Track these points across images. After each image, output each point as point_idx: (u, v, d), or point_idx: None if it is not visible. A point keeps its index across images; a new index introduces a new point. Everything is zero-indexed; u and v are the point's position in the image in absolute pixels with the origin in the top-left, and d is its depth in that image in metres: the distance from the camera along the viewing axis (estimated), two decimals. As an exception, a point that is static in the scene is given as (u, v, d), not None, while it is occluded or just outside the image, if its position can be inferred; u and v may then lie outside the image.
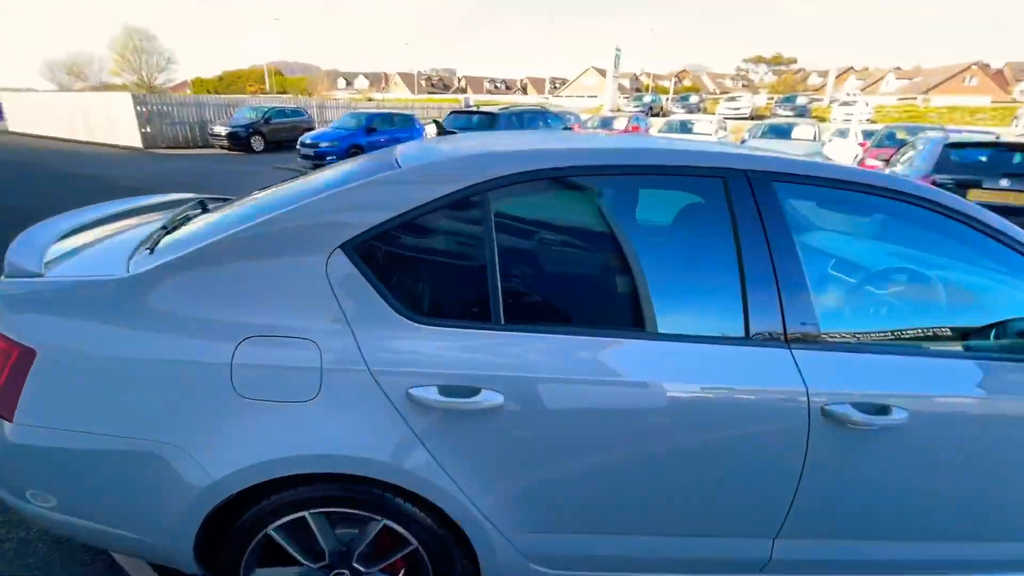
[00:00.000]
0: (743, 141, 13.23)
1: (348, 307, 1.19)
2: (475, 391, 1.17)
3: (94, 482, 1.25)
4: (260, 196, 1.59)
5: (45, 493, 1.28)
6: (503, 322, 1.23)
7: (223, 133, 15.65)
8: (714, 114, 30.64)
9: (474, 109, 10.26)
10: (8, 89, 28.52)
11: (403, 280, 1.26)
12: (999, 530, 1.40)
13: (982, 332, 1.37)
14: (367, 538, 1.30)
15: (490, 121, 9.48)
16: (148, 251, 1.34)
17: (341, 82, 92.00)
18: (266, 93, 51.13)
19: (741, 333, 1.25)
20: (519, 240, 1.33)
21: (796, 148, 11.30)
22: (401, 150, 1.49)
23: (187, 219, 1.62)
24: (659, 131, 14.34)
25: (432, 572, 1.34)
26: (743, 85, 74.69)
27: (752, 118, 26.10)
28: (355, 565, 1.32)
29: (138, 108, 15.83)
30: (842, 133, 14.50)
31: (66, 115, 18.26)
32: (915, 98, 37.87)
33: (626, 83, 73.64)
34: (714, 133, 13.24)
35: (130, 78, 55.81)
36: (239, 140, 15.56)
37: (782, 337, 1.25)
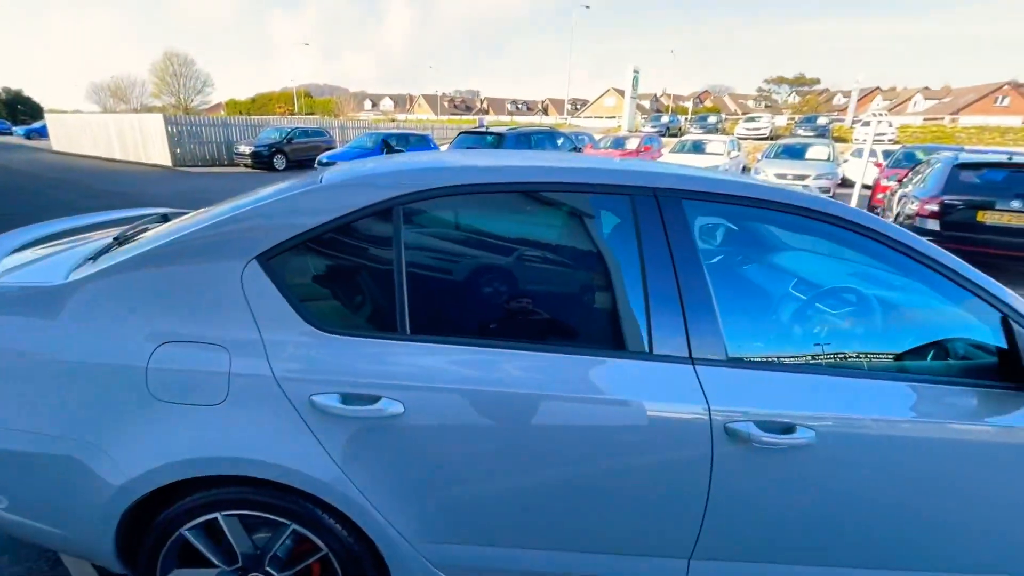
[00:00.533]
0: (757, 161, 13.15)
1: (259, 315, 1.25)
2: (375, 399, 1.21)
3: (23, 479, 1.32)
4: (207, 210, 1.67)
5: None
6: (408, 332, 1.26)
7: (247, 152, 16.28)
8: (732, 135, 30.56)
9: (483, 130, 10.46)
10: (54, 111, 30.24)
11: (312, 291, 1.31)
12: (919, 558, 1.35)
13: (895, 353, 1.35)
14: (278, 543, 1.33)
15: (497, 141, 9.66)
16: (91, 261, 1.42)
17: (368, 104, 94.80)
18: (294, 114, 52.90)
19: (644, 349, 1.26)
20: (423, 254, 1.37)
21: (809, 168, 11.17)
22: (331, 169, 1.56)
23: (143, 231, 1.71)
24: (670, 151, 14.35)
25: (342, 572, 1.36)
26: (765, 106, 74.24)
27: (772, 138, 25.85)
28: (268, 569, 1.35)
29: (169, 128, 16.60)
30: (860, 153, 14.28)
31: (103, 135, 19.25)
32: (942, 118, 37.07)
33: (647, 104, 74.04)
34: (726, 154, 13.18)
35: (169, 100, 58.55)
36: (262, 159, 16.14)
37: (686, 354, 1.25)
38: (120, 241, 1.60)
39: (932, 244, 1.36)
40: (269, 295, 1.26)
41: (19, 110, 43.38)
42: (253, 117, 23.51)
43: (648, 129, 32.23)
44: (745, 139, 27.68)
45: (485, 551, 1.36)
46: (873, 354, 1.41)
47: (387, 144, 13.78)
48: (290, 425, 1.22)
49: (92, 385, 1.25)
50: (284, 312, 1.25)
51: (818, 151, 12.75)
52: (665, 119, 34.83)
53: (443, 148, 13.49)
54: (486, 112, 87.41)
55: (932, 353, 1.44)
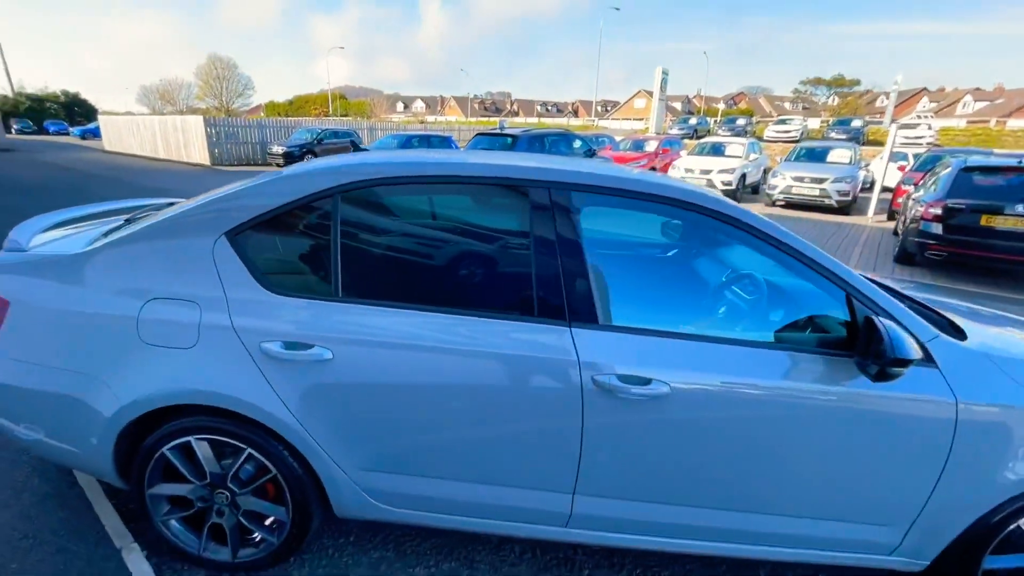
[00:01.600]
0: (778, 164, 13.03)
1: (225, 279, 1.57)
2: (310, 347, 1.52)
3: (45, 405, 1.68)
4: (196, 198, 2.02)
5: (7, 408, 1.72)
6: (339, 296, 1.57)
7: (279, 152, 17.08)
8: (761, 137, 29.94)
9: (498, 132, 10.76)
10: (106, 113, 32.18)
11: (267, 260, 1.63)
12: (769, 503, 1.57)
13: (750, 323, 1.57)
14: (238, 464, 1.65)
15: (512, 143, 9.96)
16: (104, 237, 1.78)
17: (400, 106, 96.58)
18: (328, 116, 54.40)
19: (533, 312, 1.53)
20: (354, 233, 1.66)
21: (827, 172, 11.03)
22: (296, 164, 1.87)
23: (148, 215, 2.07)
24: (689, 153, 14.35)
25: (290, 498, 1.67)
26: (803, 108, 72.17)
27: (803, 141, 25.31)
28: (230, 485, 1.67)
29: (208, 130, 17.56)
30: (894, 156, 13.94)
31: (149, 135, 20.47)
32: (987, 121, 35.39)
33: (679, 106, 73.03)
34: (744, 156, 13.13)
35: (212, 103, 61.09)
36: (293, 159, 16.90)
37: (564, 318, 1.51)
38: (129, 222, 1.96)
39: (788, 232, 1.58)
40: (233, 263, 1.58)
41: (76, 112, 46.22)
42: (287, 119, 24.50)
43: (675, 131, 31.96)
44: (775, 142, 27.19)
45: (403, 479, 1.64)
46: (726, 319, 1.63)
47: (354, 145, 14.24)
48: (244, 366, 1.53)
49: (98, 331, 1.59)
50: (244, 277, 1.58)
51: (840, 154, 12.54)
52: (693, 121, 34.42)
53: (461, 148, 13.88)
54: (516, 114, 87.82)
55: (809, 328, 1.65)
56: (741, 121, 33.45)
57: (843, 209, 10.98)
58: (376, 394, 1.55)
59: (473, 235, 1.76)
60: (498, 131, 10.70)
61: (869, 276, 2.02)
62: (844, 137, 25.66)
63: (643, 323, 1.56)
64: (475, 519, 1.68)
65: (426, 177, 1.67)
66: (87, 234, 1.93)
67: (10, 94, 42.81)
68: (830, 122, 32.82)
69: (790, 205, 11.53)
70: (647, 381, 1.46)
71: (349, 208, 1.63)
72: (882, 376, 1.36)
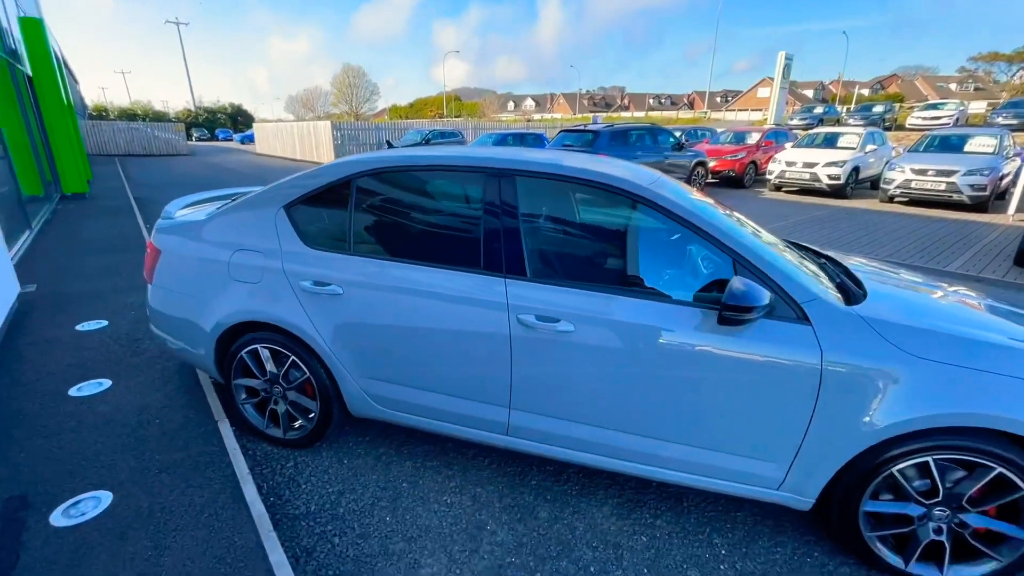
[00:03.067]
0: (901, 155, 11.71)
1: (281, 238, 2.29)
2: (328, 284, 2.18)
3: (179, 319, 2.54)
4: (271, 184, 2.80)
5: (159, 327, 2.62)
6: (351, 250, 2.21)
7: (391, 152, 18.95)
8: (903, 126, 26.37)
9: (580, 128, 11.08)
10: (260, 121, 37.73)
11: (307, 224, 2.31)
12: (662, 430, 1.91)
13: (642, 278, 1.92)
14: (285, 367, 2.37)
15: (593, 138, 10.25)
16: (217, 210, 2.62)
17: (511, 105, 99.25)
18: (442, 117, 57.80)
19: (480, 267, 2.03)
20: (372, 202, 2.27)
21: (958, 164, 9.74)
22: (335, 160, 2.55)
23: (245, 196, 2.90)
24: (793, 145, 13.35)
25: (319, 395, 2.35)
26: (976, 88, 61.29)
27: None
28: (282, 382, 2.41)
29: (334, 133, 20.02)
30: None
31: (289, 139, 23.79)
32: None
33: (810, 93, 66.14)
34: (858, 147, 11.96)
35: (344, 108, 67.98)
36: (402, 157, 18.64)
37: (501, 272, 2.00)
38: (232, 200, 2.80)
39: (695, 207, 1.89)
40: (286, 227, 2.30)
41: (238, 120, 54.67)
42: (405, 121, 26.81)
43: (796, 122, 29.35)
44: (918, 130, 23.81)
45: (392, 387, 2.25)
46: (626, 276, 2.00)
47: (389, 144, 15.04)
48: (289, 297, 2.24)
49: (207, 270, 2.41)
50: (292, 236, 2.28)
51: (981, 142, 10.92)
52: (819, 110, 31.21)
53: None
54: (626, 108, 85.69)
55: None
56: (879, 108, 29.61)
57: (980, 206, 9.61)
58: (371, 321, 2.17)
59: (446, 208, 2.31)
60: (580, 127, 11.01)
61: (826, 251, 2.23)
62: (1016, 122, 21.77)
63: (559, 278, 1.99)
64: (443, 423, 2.24)
65: (415, 167, 2.25)
66: (208, 208, 2.80)
67: (192, 108, 51.96)
68: (998, 105, 27.82)
69: (914, 202, 10.36)
70: (556, 320, 1.90)
71: (361, 189, 2.26)
72: (723, 320, 1.66)
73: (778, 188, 12.82)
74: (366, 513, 2.09)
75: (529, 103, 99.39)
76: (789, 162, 12.24)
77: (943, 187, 9.86)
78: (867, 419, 1.68)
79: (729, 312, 1.64)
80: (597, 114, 51.62)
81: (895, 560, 1.83)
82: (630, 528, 2.06)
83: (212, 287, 2.40)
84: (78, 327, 3.66)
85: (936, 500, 1.72)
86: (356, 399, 2.33)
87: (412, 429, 2.51)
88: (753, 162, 13.84)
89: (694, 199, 2.11)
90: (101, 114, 43.01)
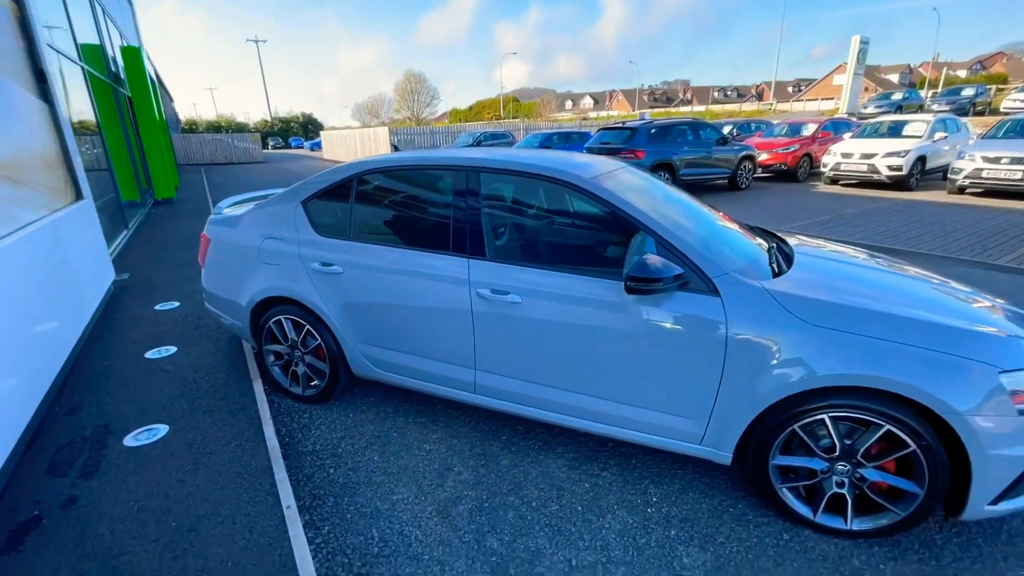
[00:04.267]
0: (974, 141, 10.88)
1: (298, 228, 2.79)
2: (332, 265, 2.64)
3: (224, 297, 3.12)
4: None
5: (210, 304, 3.22)
6: (350, 238, 2.66)
7: (443, 154, 19.77)
8: (996, 109, 23.99)
9: (619, 125, 11.19)
10: (328, 128, 40.25)
11: (320, 217, 2.79)
12: (600, 389, 2.20)
13: (576, 258, 2.21)
14: (302, 334, 2.87)
15: (631, 134, 10.36)
16: (254, 206, 3.18)
17: (568, 103, 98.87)
18: (499, 119, 58.74)
19: (449, 249, 2.42)
20: (369, 198, 2.72)
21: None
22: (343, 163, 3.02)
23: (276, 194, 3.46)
24: (852, 135, 12.65)
25: (328, 358, 2.83)
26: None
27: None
28: (300, 348, 2.91)
29: (392, 138, 21.15)
30: None
31: (352, 145, 25.34)
32: None
33: (895, 78, 61.02)
34: (925, 136, 11.19)
35: (406, 113, 70.57)
36: (453, 159, 19.39)
37: (465, 255, 2.37)
38: (266, 198, 3.36)
39: (624, 197, 2.18)
40: (302, 218, 2.80)
41: (309, 129, 58.51)
42: (459, 125, 27.72)
43: (870, 110, 27.46)
44: (1013, 114, 21.57)
45: (384, 351, 2.68)
46: (566, 258, 2.29)
47: (548, 143, 15.47)
48: (304, 276, 2.73)
49: (244, 255, 2.96)
50: (307, 226, 2.78)
51: (1066, 127, 9.96)
52: (898, 96, 28.95)
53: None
54: (689, 103, 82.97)
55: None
56: (968, 91, 27.02)
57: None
58: (365, 295, 2.62)
59: (425, 201, 2.71)
60: (619, 125, 11.12)
61: (785, 235, 2.44)
62: None
63: (513, 258, 2.33)
64: (424, 382, 2.64)
65: (403, 167, 2.68)
66: (249, 205, 3.38)
67: (268, 119, 56.20)
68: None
69: (989, 193, 9.64)
70: (507, 293, 2.25)
71: (359, 187, 2.72)
72: (628, 290, 1.94)
73: (834, 181, 12.24)
74: (359, 453, 2.54)
75: (587, 101, 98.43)
76: (845, 153, 11.68)
77: (1019, 176, 9.11)
78: (768, 380, 1.89)
79: (631, 282, 1.92)
80: (645, 111, 50.41)
81: (804, 510, 2.03)
82: (577, 476, 2.37)
83: (247, 269, 2.95)
84: (156, 307, 4.43)
85: (835, 455, 1.91)
86: (356, 361, 2.79)
87: (404, 389, 2.94)
88: (807, 155, 13.29)
89: (634, 189, 2.38)
90: (191, 128, 47.64)
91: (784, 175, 13.32)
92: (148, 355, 3.50)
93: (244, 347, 3.62)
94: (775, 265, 2.25)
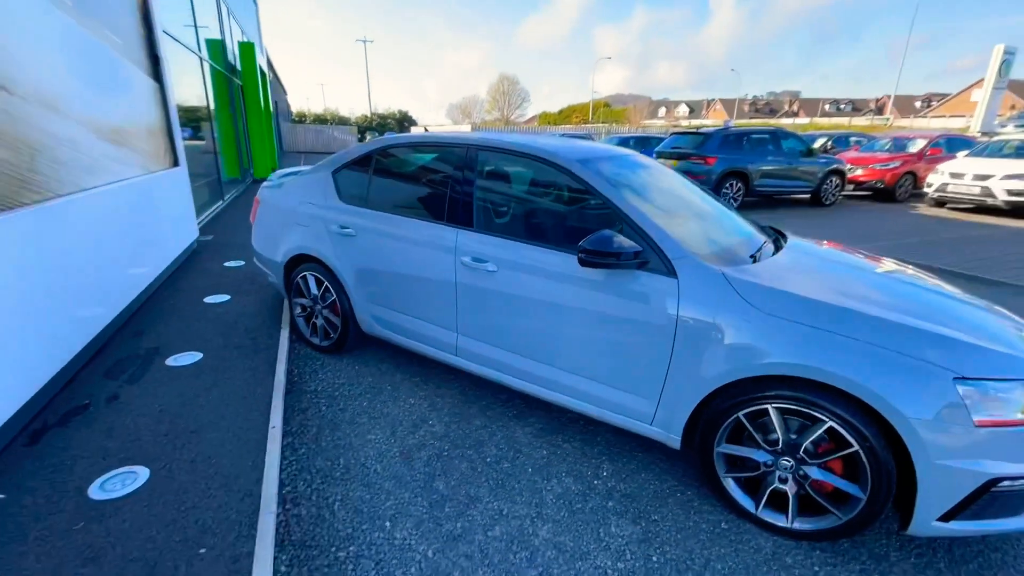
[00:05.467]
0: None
1: (326, 194, 3.14)
2: (347, 227, 2.95)
3: (266, 255, 3.56)
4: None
5: (257, 260, 3.68)
6: (366, 205, 2.95)
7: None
8: None
9: (692, 131, 10.85)
10: (419, 126, 42.36)
11: (345, 186, 3.11)
12: (564, 361, 2.29)
13: (550, 233, 2.30)
14: (321, 291, 3.21)
15: (703, 140, 9.99)
16: (296, 176, 3.59)
17: (661, 111, 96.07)
18: (587, 123, 58.42)
19: (444, 220, 2.62)
20: (385, 171, 2.99)
21: None
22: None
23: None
24: (969, 154, 11.21)
25: (342, 313, 3.15)
26: None
27: None
28: (319, 303, 3.26)
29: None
30: None
31: (437, 141, 26.57)
32: None
33: (1050, 95, 52.89)
34: (1057, 157, 9.75)
35: (496, 115, 72.25)
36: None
37: (455, 225, 2.56)
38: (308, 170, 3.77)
39: (602, 179, 2.25)
40: (331, 187, 3.14)
41: (404, 125, 61.73)
42: (548, 127, 28.06)
43: (1009, 128, 24.16)
44: None
45: (386, 310, 2.95)
46: (542, 234, 2.39)
47: (624, 145, 15.36)
48: (325, 237, 3.07)
49: (285, 216, 3.36)
50: (333, 194, 3.11)
51: None
52: (1046, 115, 25.16)
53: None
54: (795, 115, 77.61)
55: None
56: None
57: None
58: (371, 257, 2.90)
59: (428, 175, 2.92)
60: (692, 130, 10.79)
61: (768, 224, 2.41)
62: None
63: (495, 230, 2.48)
64: (417, 342, 2.87)
65: (417, 144, 2.94)
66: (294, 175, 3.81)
67: (368, 114, 60.22)
68: None
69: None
70: (485, 262, 2.41)
71: (378, 160, 3.00)
72: (581, 262, 2.01)
73: (939, 204, 11.04)
74: (352, 398, 2.82)
75: (683, 109, 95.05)
76: (955, 173, 10.48)
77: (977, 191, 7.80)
78: (715, 364, 1.90)
79: (583, 254, 2.00)
80: (730, 120, 47.57)
81: (747, 502, 2.00)
82: (538, 444, 2.47)
83: (285, 228, 3.35)
84: (225, 263, 5.07)
85: (779, 449, 1.88)
86: (363, 318, 3.08)
87: (405, 350, 3.19)
88: (911, 173, 12.05)
89: (621, 174, 2.45)
90: (301, 119, 52.25)
91: (881, 194, 12.19)
92: (206, 300, 4.05)
93: (284, 301, 4.08)
94: (757, 255, 2.22)
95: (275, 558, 1.72)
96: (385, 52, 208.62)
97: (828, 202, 11.07)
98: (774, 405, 1.83)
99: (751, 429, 1.91)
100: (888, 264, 2.54)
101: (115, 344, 3.19)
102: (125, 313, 3.48)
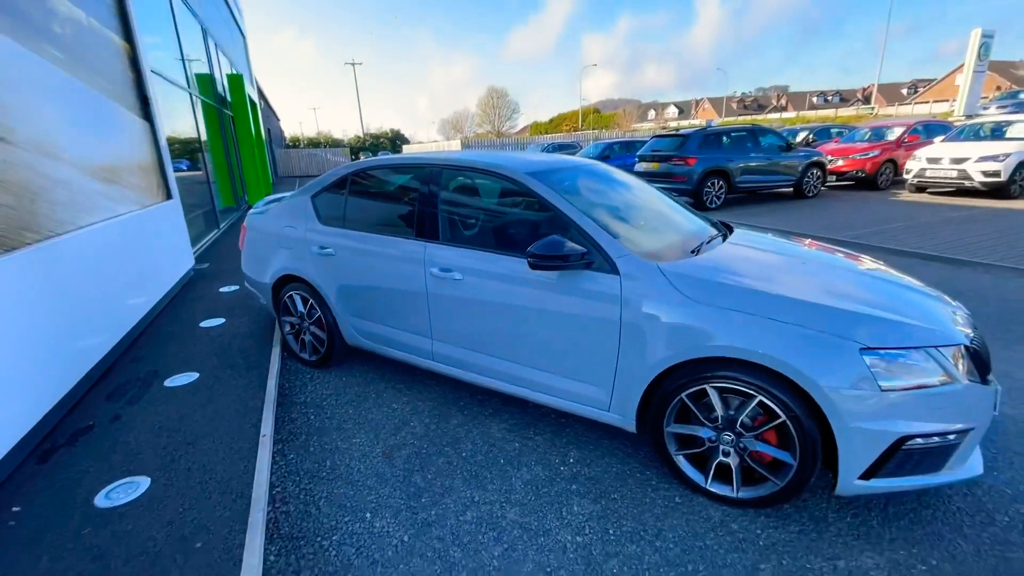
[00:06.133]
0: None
1: (306, 218, 3.35)
2: (327, 247, 3.16)
3: (255, 278, 3.77)
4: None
5: (247, 281, 3.89)
6: (344, 227, 3.17)
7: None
8: None
9: (671, 133, 11.10)
10: (412, 144, 42.92)
11: (324, 209, 3.33)
12: (526, 358, 2.48)
13: (508, 241, 2.50)
14: (307, 309, 3.41)
15: (681, 142, 10.24)
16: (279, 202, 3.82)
17: (651, 113, 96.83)
18: (577, 130, 58.97)
19: (413, 236, 2.83)
20: (359, 193, 3.21)
21: None
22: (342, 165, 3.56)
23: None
24: (944, 138, 11.43)
25: (328, 329, 3.35)
26: None
27: None
28: (306, 320, 3.46)
29: (463, 150, 22.31)
30: None
31: (429, 157, 26.98)
32: None
33: (1035, 75, 53.28)
34: (1031, 137, 9.96)
35: (487, 127, 72.87)
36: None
37: (424, 239, 2.77)
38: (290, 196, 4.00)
39: (549, 189, 2.46)
40: (310, 210, 3.35)
41: (396, 143, 62.51)
42: (539, 137, 28.45)
43: (991, 111, 24.40)
44: None
45: (367, 323, 3.14)
46: (501, 242, 2.59)
47: (609, 151, 15.65)
48: (308, 258, 3.28)
49: (269, 240, 3.58)
50: (313, 217, 3.33)
51: None
52: (1027, 95, 25.46)
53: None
54: (783, 109, 78.18)
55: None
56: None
57: None
58: (350, 273, 3.10)
59: (398, 194, 3.14)
60: (671, 132, 11.04)
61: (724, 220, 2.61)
62: None
63: (459, 241, 2.69)
64: (397, 351, 3.07)
65: (386, 168, 3.15)
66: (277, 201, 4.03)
67: (361, 135, 60.99)
68: None
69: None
70: (452, 271, 2.62)
71: (352, 183, 3.22)
72: (531, 265, 2.21)
73: (920, 189, 11.24)
74: (338, 407, 3.01)
75: (672, 110, 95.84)
76: (932, 159, 10.70)
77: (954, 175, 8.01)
78: (657, 350, 2.09)
79: (531, 259, 2.20)
80: (712, 120, 47.94)
81: (697, 477, 2.18)
82: (511, 438, 2.65)
83: (270, 252, 3.57)
84: (220, 289, 5.28)
85: (719, 425, 2.06)
86: (347, 331, 3.28)
87: (388, 359, 3.39)
88: (891, 160, 12.28)
89: (571, 181, 2.67)
90: (295, 144, 52.96)
91: (863, 183, 12.40)
92: (202, 324, 4.26)
93: (275, 322, 4.28)
94: (699, 249, 2.43)
95: (265, 548, 1.91)
96: (375, 72, 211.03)
97: (811, 194, 11.28)
98: (712, 385, 2.02)
99: (694, 409, 2.09)
100: (823, 250, 2.73)
101: (117, 369, 3.39)
102: (125, 340, 3.68)
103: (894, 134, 12.85)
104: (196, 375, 3.27)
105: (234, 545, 1.85)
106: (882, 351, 1.79)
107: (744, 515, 2.07)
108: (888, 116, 35.13)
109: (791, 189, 11.24)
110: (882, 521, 2.02)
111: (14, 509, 2.07)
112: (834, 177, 12.51)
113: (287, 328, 3.64)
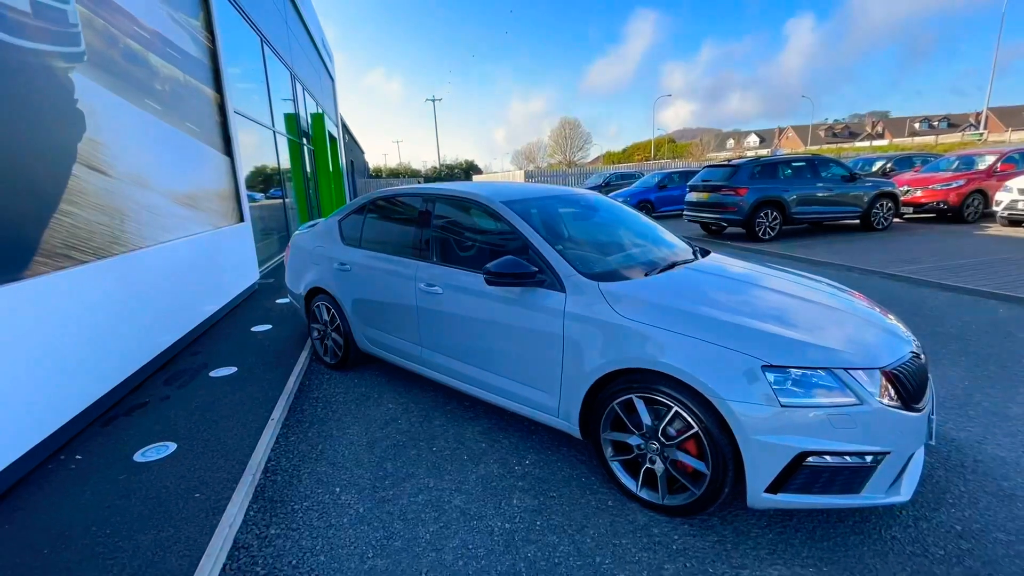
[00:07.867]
0: None
1: (332, 239, 3.90)
2: (345, 264, 3.67)
3: (293, 290, 4.37)
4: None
5: (289, 293, 4.50)
6: (359, 246, 3.66)
7: (570, 194, 20.91)
8: None
9: (723, 164, 10.96)
10: (482, 173, 44.78)
11: (346, 231, 3.85)
12: (493, 365, 2.77)
13: (481, 261, 2.82)
14: (328, 313, 3.92)
15: (732, 172, 10.08)
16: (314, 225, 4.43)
17: (730, 142, 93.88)
18: (648, 160, 58.50)
19: (412, 257, 3.24)
20: (373, 217, 3.69)
21: None
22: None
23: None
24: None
25: (344, 336, 3.83)
26: None
27: None
28: (329, 328, 3.96)
29: (527, 180, 23.04)
30: None
31: (495, 187, 28.08)
32: None
33: None
34: None
35: (559, 158, 74.16)
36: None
37: (418, 259, 3.17)
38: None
39: (517, 216, 2.77)
40: (336, 232, 3.90)
41: (470, 173, 65.48)
42: (611, 166, 28.73)
43: None
44: None
45: (376, 332, 3.58)
46: (474, 261, 2.90)
47: (667, 181, 15.64)
48: (331, 273, 3.80)
49: (306, 257, 4.17)
50: (338, 238, 3.87)
51: None
52: None
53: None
54: (880, 136, 72.97)
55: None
56: None
57: None
58: (362, 287, 3.57)
59: (405, 219, 3.57)
60: (724, 163, 10.90)
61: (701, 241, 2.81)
62: None
63: (442, 260, 3.05)
64: (396, 357, 3.46)
65: (395, 196, 3.63)
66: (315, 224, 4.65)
67: (437, 165, 64.57)
68: None
69: None
70: (435, 286, 2.99)
71: (370, 209, 3.73)
72: (487, 282, 2.51)
73: (1014, 223, 10.22)
74: (343, 403, 3.44)
75: (752, 139, 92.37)
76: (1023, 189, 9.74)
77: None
78: (591, 361, 2.31)
79: (487, 276, 2.51)
80: (780, 148, 45.32)
81: (629, 483, 2.33)
82: (481, 439, 2.92)
83: (304, 267, 4.15)
84: (277, 301, 6.04)
85: (644, 433, 2.22)
86: (359, 339, 3.73)
87: (391, 364, 3.79)
88: (980, 191, 11.26)
89: (545, 208, 2.98)
90: (377, 174, 57.08)
91: (948, 215, 11.42)
92: (252, 328, 4.94)
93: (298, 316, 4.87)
94: (651, 272, 2.63)
95: (249, 505, 2.32)
96: (455, 107, 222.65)
97: (880, 226, 10.59)
98: (637, 395, 2.20)
99: (625, 417, 2.27)
100: (787, 278, 2.80)
101: (178, 360, 4.08)
102: (188, 337, 4.40)
103: (985, 162, 11.78)
104: (235, 369, 3.86)
105: (224, 497, 2.28)
106: (785, 369, 1.90)
107: (669, 523, 2.20)
108: (1000, 143, 31.75)
109: (857, 221, 10.63)
110: (804, 540, 2.07)
111: (77, 457, 2.65)
112: (911, 209, 11.65)
113: (315, 334, 4.17)
